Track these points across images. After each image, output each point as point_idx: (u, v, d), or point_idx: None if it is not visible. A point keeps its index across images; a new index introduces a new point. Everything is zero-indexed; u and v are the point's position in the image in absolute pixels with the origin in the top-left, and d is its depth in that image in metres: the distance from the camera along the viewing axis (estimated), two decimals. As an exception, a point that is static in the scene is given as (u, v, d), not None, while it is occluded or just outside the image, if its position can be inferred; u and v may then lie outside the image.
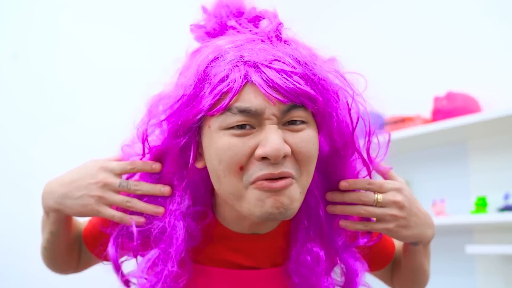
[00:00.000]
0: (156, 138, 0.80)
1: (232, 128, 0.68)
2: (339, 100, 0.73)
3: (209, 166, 0.73)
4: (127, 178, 0.82)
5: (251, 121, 0.68)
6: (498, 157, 2.07)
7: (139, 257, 0.82)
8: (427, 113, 2.24)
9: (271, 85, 0.67)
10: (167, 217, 0.78)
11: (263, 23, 0.76)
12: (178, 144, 0.74)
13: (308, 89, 0.68)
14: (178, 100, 0.72)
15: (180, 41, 2.68)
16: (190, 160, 0.75)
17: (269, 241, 0.83)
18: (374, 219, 0.82)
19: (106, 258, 0.84)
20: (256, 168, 0.68)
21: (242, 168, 0.69)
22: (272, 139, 0.66)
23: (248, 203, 0.70)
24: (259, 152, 0.67)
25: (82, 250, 0.93)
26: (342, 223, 0.81)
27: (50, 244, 0.88)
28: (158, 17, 2.42)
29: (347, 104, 0.75)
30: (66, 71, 2.13)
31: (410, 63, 2.41)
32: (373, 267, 0.94)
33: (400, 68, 2.44)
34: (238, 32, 0.75)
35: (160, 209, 0.78)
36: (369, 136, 0.78)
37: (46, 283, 1.93)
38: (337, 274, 0.87)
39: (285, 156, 0.68)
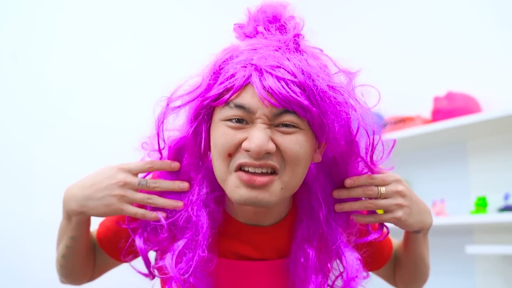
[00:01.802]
0: (173, 134, 0.86)
1: (230, 120, 0.77)
2: (338, 112, 0.77)
3: (211, 150, 0.81)
4: (144, 177, 0.86)
5: (245, 117, 0.76)
6: (498, 157, 2.07)
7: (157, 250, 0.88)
8: (427, 113, 2.24)
9: (267, 89, 0.73)
10: (189, 207, 0.83)
11: (287, 33, 0.81)
12: (192, 128, 0.81)
13: (301, 99, 0.74)
14: (196, 88, 0.81)
15: (179, 42, 2.69)
16: (202, 146, 0.82)
17: (274, 234, 0.88)
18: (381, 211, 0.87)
19: (124, 259, 0.91)
20: (241, 156, 0.76)
21: (230, 155, 0.77)
22: (257, 136, 0.74)
23: (228, 188, 0.78)
24: (245, 145, 0.75)
25: (97, 256, 0.95)
26: (354, 217, 0.87)
27: (69, 250, 0.89)
28: (157, 17, 2.42)
29: (348, 116, 0.78)
30: (67, 70, 2.13)
31: (410, 63, 2.41)
32: (373, 266, 0.98)
33: (400, 68, 2.44)
34: (265, 38, 0.81)
35: (179, 203, 0.84)
36: (372, 146, 0.82)
37: (46, 282, 1.93)
38: (336, 275, 0.90)
39: (269, 153, 0.75)
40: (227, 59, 0.79)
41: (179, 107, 0.82)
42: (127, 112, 2.24)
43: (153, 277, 0.88)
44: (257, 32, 0.83)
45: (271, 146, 0.75)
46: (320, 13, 2.79)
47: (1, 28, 2.01)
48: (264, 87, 0.73)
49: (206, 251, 0.81)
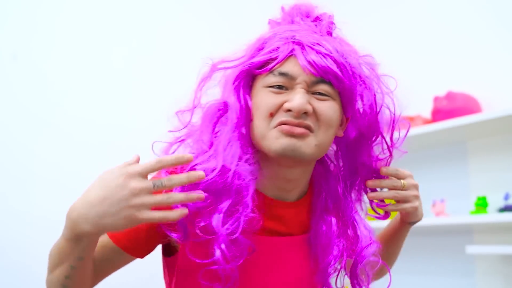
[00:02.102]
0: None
1: (272, 86, 0.87)
2: (365, 87, 0.90)
3: (252, 113, 0.90)
4: (170, 173, 0.83)
5: (286, 83, 0.87)
6: (498, 157, 2.07)
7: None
8: (427, 113, 2.24)
9: (308, 60, 0.85)
10: (236, 168, 0.85)
11: (322, 23, 0.94)
12: (232, 91, 0.89)
13: (336, 70, 0.86)
14: (241, 57, 0.91)
15: (179, 41, 2.68)
16: (244, 108, 0.89)
17: (298, 209, 0.96)
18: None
19: (142, 255, 0.90)
20: (281, 115, 0.86)
21: (272, 115, 0.86)
22: (298, 97, 0.84)
23: (268, 141, 0.86)
24: (286, 105, 0.85)
25: (105, 258, 0.89)
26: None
27: (76, 270, 0.82)
28: (157, 16, 2.43)
29: (373, 91, 0.90)
30: (66, 68, 2.13)
31: (410, 63, 2.41)
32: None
33: (400, 68, 2.44)
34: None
35: (201, 195, 0.78)
36: (393, 122, 0.94)
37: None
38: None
39: (307, 113, 0.85)
40: (271, 35, 0.90)
41: (224, 68, 0.91)
42: (126, 111, 2.24)
43: (185, 240, 0.84)
44: (293, 22, 0.94)
45: (309, 107, 0.85)
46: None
47: (1, 27, 2.01)
48: (306, 59, 0.85)
49: (256, 210, 0.85)
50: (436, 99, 2.15)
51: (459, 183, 2.17)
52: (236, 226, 0.83)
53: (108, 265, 0.90)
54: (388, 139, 0.95)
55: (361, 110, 0.92)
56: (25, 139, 1.99)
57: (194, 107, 0.91)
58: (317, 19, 0.94)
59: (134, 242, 0.87)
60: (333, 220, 0.95)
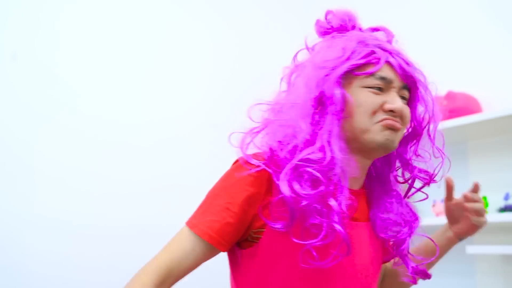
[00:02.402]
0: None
1: (372, 87, 0.98)
2: (426, 92, 1.05)
3: (348, 109, 0.98)
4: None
5: (383, 86, 0.99)
6: (498, 158, 2.07)
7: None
8: (427, 113, 2.24)
9: (401, 68, 1.00)
10: (336, 159, 0.93)
11: (378, 33, 1.08)
12: (334, 85, 0.96)
13: (416, 78, 1.02)
14: (339, 57, 0.98)
15: (183, 38, 2.66)
16: (343, 102, 0.97)
17: (361, 197, 1.06)
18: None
19: (226, 248, 0.96)
20: (383, 114, 0.98)
21: (374, 113, 0.98)
22: (398, 100, 0.99)
23: (372, 134, 0.97)
24: (389, 106, 0.97)
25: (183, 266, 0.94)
26: (473, 218, 1.15)
27: None
28: (162, 14, 2.43)
29: (431, 97, 1.06)
30: (68, 63, 2.14)
31: (410, 63, 2.41)
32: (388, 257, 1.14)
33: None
34: (362, 32, 1.07)
35: None
36: (435, 127, 1.09)
37: (46, 278, 1.93)
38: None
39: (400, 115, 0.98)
40: (359, 41, 1.00)
41: (324, 67, 0.98)
42: (127, 108, 2.25)
43: (288, 227, 0.91)
44: (348, 28, 1.06)
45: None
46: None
47: (1, 25, 2.01)
48: (399, 66, 0.99)
49: (352, 198, 0.96)
50: (436, 99, 2.14)
51: (459, 183, 2.15)
52: (343, 210, 0.92)
53: (192, 265, 0.95)
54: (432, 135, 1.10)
55: (421, 114, 1.06)
56: (25, 137, 2.00)
57: (316, 98, 0.98)
58: (376, 29, 1.09)
59: (224, 235, 0.93)
60: (396, 192, 1.08)
